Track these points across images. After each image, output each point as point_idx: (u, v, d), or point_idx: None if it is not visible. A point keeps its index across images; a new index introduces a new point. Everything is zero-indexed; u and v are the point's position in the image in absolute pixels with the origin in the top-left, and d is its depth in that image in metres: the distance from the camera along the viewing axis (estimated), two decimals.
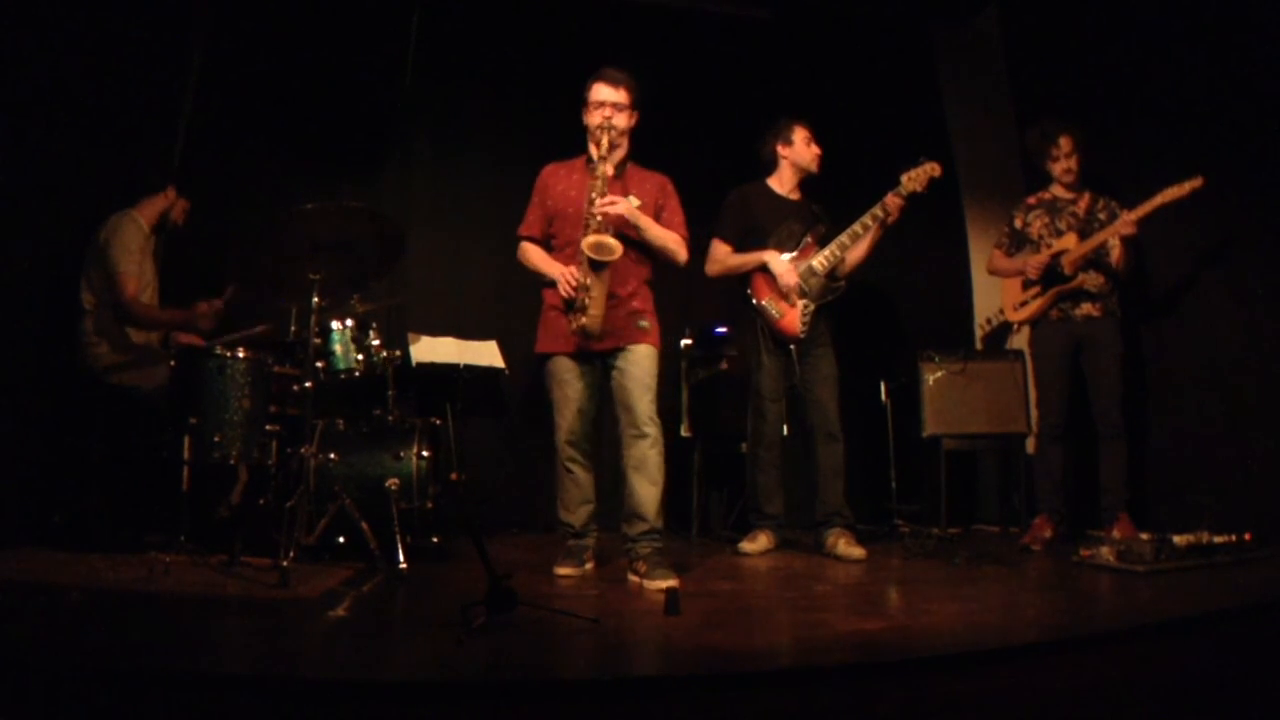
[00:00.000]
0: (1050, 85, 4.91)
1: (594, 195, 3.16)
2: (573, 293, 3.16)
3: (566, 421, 3.30)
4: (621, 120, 3.27)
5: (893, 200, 3.77)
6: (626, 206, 3.19)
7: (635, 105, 3.31)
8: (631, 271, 3.30)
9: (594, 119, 3.26)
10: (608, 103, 3.25)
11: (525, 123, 5.00)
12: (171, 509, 3.17)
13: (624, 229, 3.21)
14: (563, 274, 3.21)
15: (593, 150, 3.25)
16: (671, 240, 3.34)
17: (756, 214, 4.00)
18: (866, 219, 3.84)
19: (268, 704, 1.72)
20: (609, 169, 3.22)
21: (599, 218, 3.13)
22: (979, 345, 5.38)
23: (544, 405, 3.41)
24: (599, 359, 3.30)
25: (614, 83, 3.28)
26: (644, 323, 3.30)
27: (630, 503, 3.23)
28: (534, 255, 3.38)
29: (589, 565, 3.33)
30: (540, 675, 1.95)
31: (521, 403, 4.79)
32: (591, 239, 3.09)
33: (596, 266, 3.09)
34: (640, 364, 3.25)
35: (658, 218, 3.35)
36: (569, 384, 3.29)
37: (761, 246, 3.94)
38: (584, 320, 3.14)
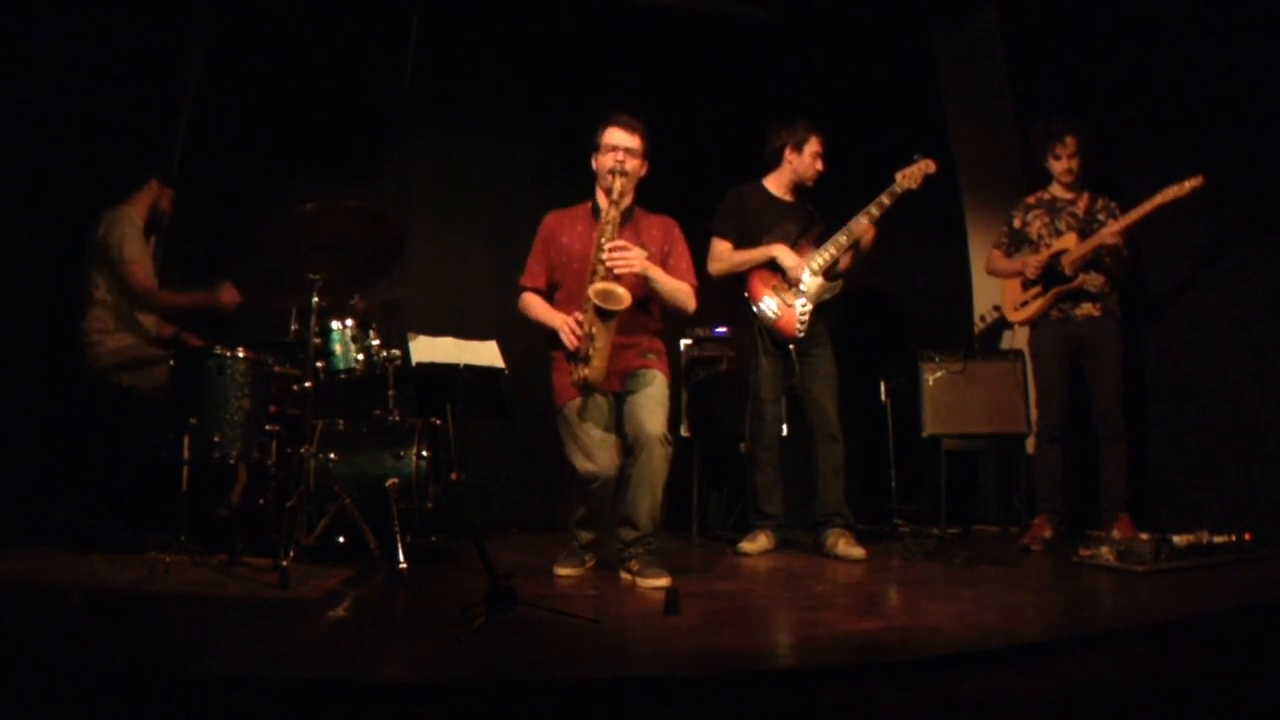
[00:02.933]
0: (1051, 85, 4.92)
1: (602, 241, 3.08)
2: (576, 341, 3.07)
3: (600, 463, 3.14)
4: (633, 165, 3.20)
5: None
6: (640, 262, 3.09)
7: (647, 154, 3.26)
8: (640, 325, 3.25)
9: (605, 162, 3.19)
10: (621, 147, 3.19)
11: (525, 123, 5.01)
12: (171, 509, 3.17)
13: (634, 285, 3.13)
14: (565, 322, 3.12)
15: (600, 198, 3.20)
16: (682, 293, 3.26)
17: (753, 215, 4.00)
18: (862, 217, 3.84)
19: (268, 704, 1.72)
20: (617, 215, 3.15)
21: (607, 265, 3.05)
22: (978, 344, 5.39)
23: (544, 405, 3.40)
24: (613, 396, 3.23)
25: (629, 128, 3.22)
26: (651, 355, 3.27)
27: (627, 509, 3.18)
28: (536, 307, 3.31)
29: (589, 565, 3.33)
30: (540, 675, 1.95)
31: (521, 403, 4.79)
32: (599, 287, 3.01)
33: (604, 316, 2.99)
34: (652, 384, 3.19)
35: (665, 263, 3.28)
36: (593, 426, 3.17)
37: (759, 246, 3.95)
38: (586, 371, 3.04)
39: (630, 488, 3.16)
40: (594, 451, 3.15)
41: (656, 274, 3.19)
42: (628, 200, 3.26)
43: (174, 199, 3.93)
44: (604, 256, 3.06)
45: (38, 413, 3.70)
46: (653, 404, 3.15)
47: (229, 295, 3.77)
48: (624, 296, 3.01)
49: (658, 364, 3.27)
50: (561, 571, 3.25)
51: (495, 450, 4.89)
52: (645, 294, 3.22)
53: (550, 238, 3.33)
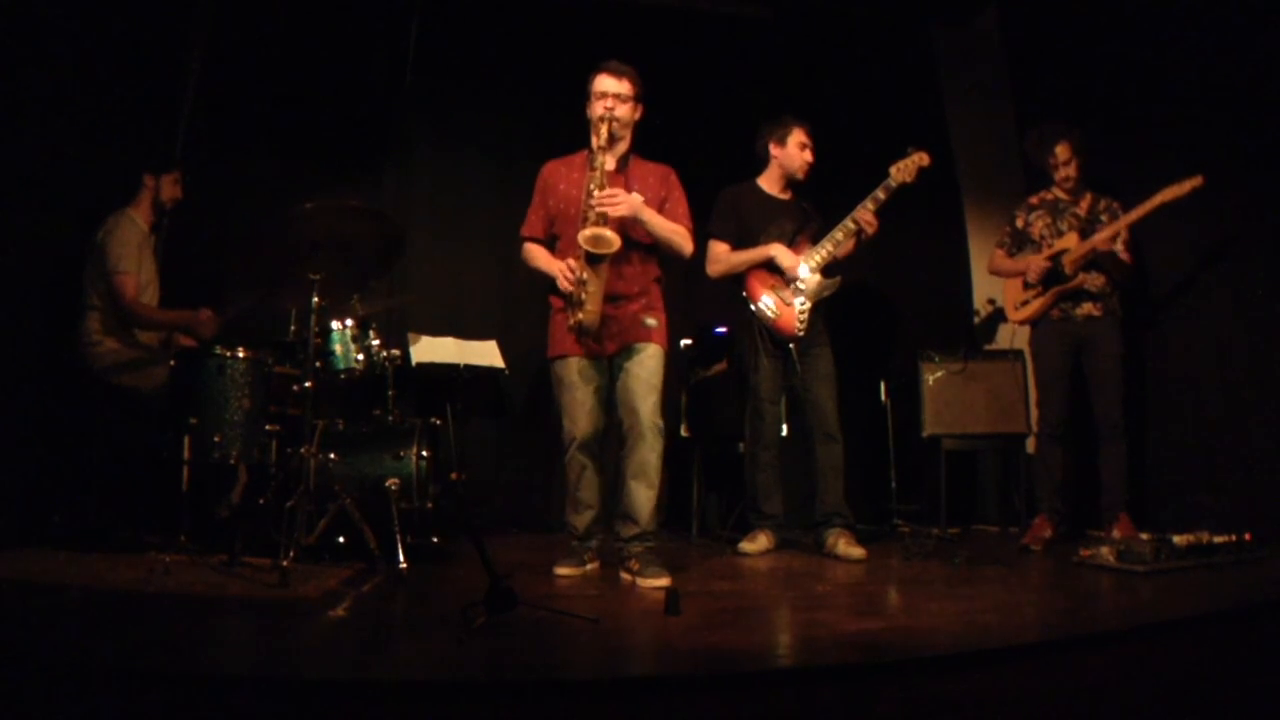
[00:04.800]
0: (1050, 85, 4.92)
1: (592, 188, 3.10)
2: (571, 286, 3.10)
3: (578, 426, 3.21)
4: (624, 111, 3.22)
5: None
6: (629, 204, 3.11)
7: (639, 98, 3.27)
8: (638, 271, 3.26)
9: (596, 109, 3.20)
10: (610, 93, 3.21)
11: (525, 122, 5.01)
12: (171, 509, 3.17)
13: (629, 228, 3.16)
14: (561, 268, 3.15)
15: (594, 141, 3.18)
16: (677, 234, 3.26)
17: (748, 214, 3.99)
18: (858, 213, 3.84)
19: (268, 704, 1.71)
20: (610, 161, 3.17)
21: (598, 210, 3.06)
22: (977, 341, 5.39)
23: (544, 405, 3.40)
24: (607, 360, 3.26)
25: (617, 74, 3.24)
26: (650, 320, 3.25)
27: (625, 505, 3.20)
28: (537, 255, 3.33)
29: (589, 565, 3.32)
30: (540, 675, 1.94)
31: (521, 403, 4.79)
32: (588, 232, 3.03)
33: (593, 260, 3.02)
34: (646, 364, 3.20)
35: (661, 209, 3.28)
36: (578, 387, 3.22)
37: (756, 245, 3.94)
38: (580, 316, 3.07)
39: (627, 483, 3.18)
40: (576, 414, 3.21)
41: (649, 215, 3.19)
42: (623, 146, 3.28)
43: (178, 179, 3.87)
44: (593, 203, 3.07)
45: (38, 413, 3.70)
46: (645, 387, 3.16)
47: (208, 326, 3.73)
48: (613, 240, 3.02)
49: (656, 335, 3.26)
50: (561, 571, 3.24)
51: (495, 450, 4.89)
52: (641, 239, 3.23)
53: (548, 187, 3.34)
